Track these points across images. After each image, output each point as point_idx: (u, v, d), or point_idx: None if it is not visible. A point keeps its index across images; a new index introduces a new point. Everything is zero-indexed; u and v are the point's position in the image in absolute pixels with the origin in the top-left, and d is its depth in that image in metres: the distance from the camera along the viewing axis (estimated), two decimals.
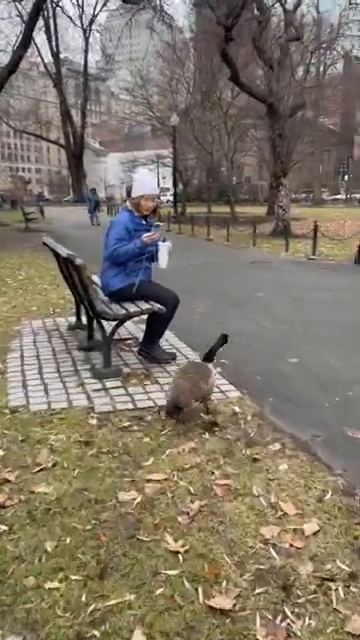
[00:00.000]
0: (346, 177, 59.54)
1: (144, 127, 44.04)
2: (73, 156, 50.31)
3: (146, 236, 3.99)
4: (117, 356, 4.41)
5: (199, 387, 3.10)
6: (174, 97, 33.59)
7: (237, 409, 3.38)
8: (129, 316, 3.92)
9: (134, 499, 2.38)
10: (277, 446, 2.88)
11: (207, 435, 3.01)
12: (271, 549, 2.07)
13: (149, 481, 2.53)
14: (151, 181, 4.32)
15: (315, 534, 2.16)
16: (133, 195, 4.16)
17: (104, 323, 3.91)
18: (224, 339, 3.34)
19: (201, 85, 29.85)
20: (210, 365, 3.31)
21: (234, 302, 6.98)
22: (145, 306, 3.94)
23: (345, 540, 2.12)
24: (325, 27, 28.10)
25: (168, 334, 4.74)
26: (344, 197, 54.12)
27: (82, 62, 48.54)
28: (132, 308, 3.92)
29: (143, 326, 4.54)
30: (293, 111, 18.40)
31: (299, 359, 4.47)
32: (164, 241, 4.18)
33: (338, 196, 55.28)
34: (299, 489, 2.46)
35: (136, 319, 4.62)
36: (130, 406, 3.41)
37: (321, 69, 34.38)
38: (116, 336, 4.24)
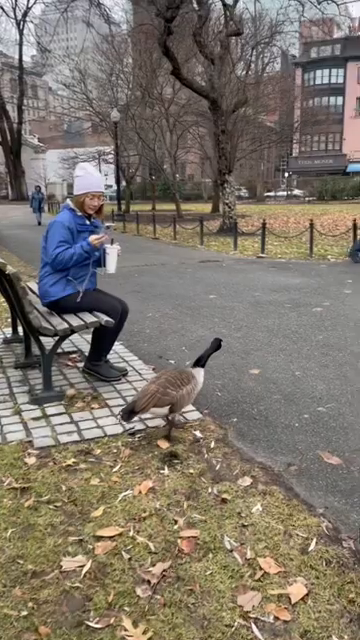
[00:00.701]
0: (286, 174, 60.67)
1: (84, 123, 42.77)
2: (10, 152, 48.34)
3: (95, 238, 3.53)
4: (59, 374, 3.93)
5: (166, 392, 2.78)
6: (114, 92, 32.85)
7: (198, 434, 3.00)
8: (72, 331, 3.43)
9: (81, 567, 1.94)
10: (247, 480, 2.51)
11: (166, 470, 2.60)
12: (253, 626, 1.69)
13: (99, 539, 2.09)
14: (97, 177, 3.77)
15: (303, 599, 1.80)
16: (76, 192, 3.67)
17: (43, 339, 3.42)
18: (217, 344, 3.14)
19: (141, 80, 29.26)
20: (198, 371, 3.04)
21: (186, 306, 6.60)
22: (90, 319, 3.47)
23: (339, 606, 1.77)
24: (264, 24, 28.12)
25: (116, 345, 4.29)
26: (285, 194, 55.10)
27: (16, 55, 46.63)
28: (75, 321, 3.44)
29: (89, 336, 4.08)
30: (236, 107, 18.28)
31: (260, 369, 4.13)
32: (112, 243, 3.74)
33: (280, 193, 56.15)
34: (278, 538, 2.09)
35: None
36: (76, 437, 2.94)
37: (260, 66, 34.50)
38: (58, 349, 3.75)
